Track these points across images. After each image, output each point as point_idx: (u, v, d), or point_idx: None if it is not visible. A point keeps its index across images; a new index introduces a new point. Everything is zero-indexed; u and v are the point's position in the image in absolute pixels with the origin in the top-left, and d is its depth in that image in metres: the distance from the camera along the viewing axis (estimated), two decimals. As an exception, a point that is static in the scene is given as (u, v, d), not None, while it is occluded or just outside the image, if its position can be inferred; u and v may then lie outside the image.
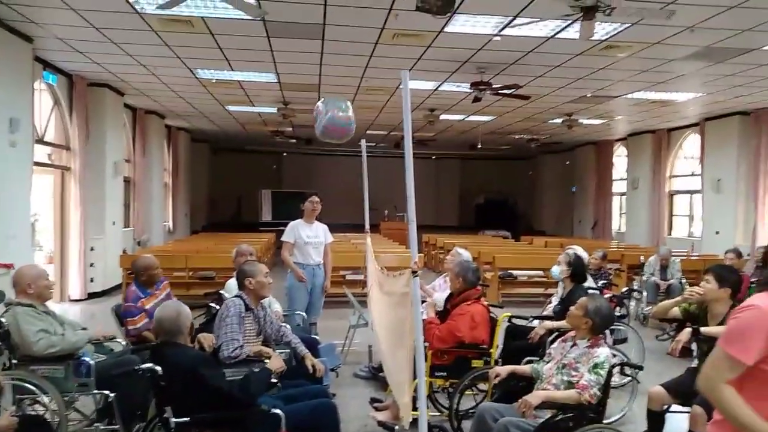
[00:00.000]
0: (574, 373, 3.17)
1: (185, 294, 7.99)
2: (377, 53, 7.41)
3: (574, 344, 3.31)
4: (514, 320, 4.42)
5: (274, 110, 11.81)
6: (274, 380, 3.25)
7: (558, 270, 4.75)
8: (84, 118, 9.10)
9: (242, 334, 3.72)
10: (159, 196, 13.47)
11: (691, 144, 13.13)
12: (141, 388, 3.46)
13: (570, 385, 3.14)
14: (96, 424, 3.59)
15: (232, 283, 4.66)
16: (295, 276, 5.77)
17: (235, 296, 3.90)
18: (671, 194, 13.75)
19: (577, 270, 4.68)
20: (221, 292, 4.83)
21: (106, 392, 3.48)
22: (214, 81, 9.28)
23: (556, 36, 6.50)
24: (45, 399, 3.39)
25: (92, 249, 9.36)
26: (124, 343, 4.24)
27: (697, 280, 8.38)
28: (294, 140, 16.44)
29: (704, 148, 11.91)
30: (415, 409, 2.68)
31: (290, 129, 14.69)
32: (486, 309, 4.11)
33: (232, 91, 10.22)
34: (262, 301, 4.19)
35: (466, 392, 4.00)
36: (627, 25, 6.06)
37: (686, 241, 12.58)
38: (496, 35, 6.54)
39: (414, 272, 2.59)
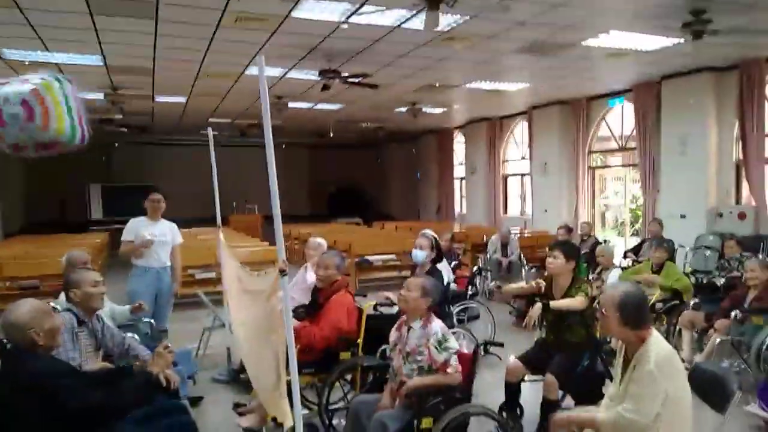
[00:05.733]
0: (419, 358, 3.15)
1: (3, 308, 6.92)
2: (219, 36, 6.97)
3: (410, 328, 3.25)
4: (379, 308, 4.41)
5: (100, 96, 10.65)
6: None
7: (423, 254, 4.78)
8: None
9: (78, 351, 3.30)
10: (-40, 196, 11.54)
11: (520, 130, 14.33)
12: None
13: (422, 370, 3.13)
14: None
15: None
16: (142, 247, 5.19)
17: (65, 310, 3.45)
18: (505, 177, 14.92)
19: (439, 251, 4.82)
20: (53, 304, 4.21)
21: None
22: (27, 63, 8.08)
23: (402, 26, 6.61)
24: None
25: None
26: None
27: (532, 255, 9.24)
28: (125, 129, 15.05)
29: (532, 134, 13.06)
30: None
31: (120, 116, 13.40)
32: (352, 298, 4.06)
33: (50, 75, 9.01)
34: (106, 313, 3.77)
35: (335, 385, 3.93)
36: (467, 17, 6.34)
37: (520, 219, 13.74)
38: (343, 23, 6.47)
39: (282, 272, 2.43)
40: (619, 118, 11.49)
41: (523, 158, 14.09)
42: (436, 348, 3.10)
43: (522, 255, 8.75)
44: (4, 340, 2.62)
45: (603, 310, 2.59)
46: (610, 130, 11.83)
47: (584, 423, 2.57)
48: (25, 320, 2.47)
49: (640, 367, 2.45)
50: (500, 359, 4.30)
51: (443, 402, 3.01)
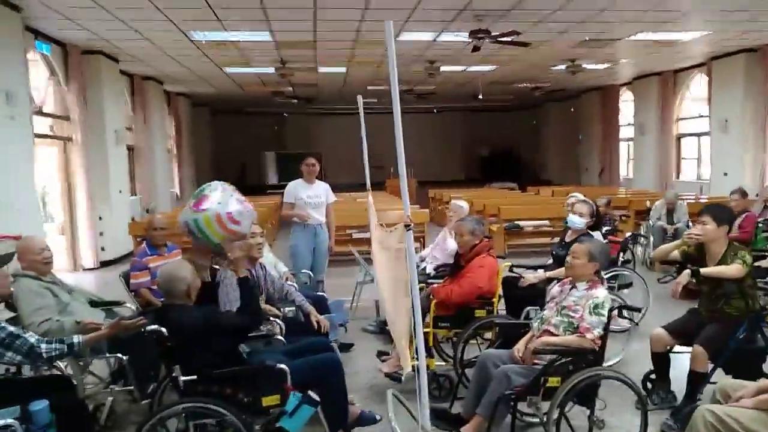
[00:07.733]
0: (573, 314, 3.19)
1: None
2: (372, 5, 7.24)
3: (573, 287, 3.33)
4: (515, 269, 4.44)
5: (271, 70, 11.65)
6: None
7: (581, 221, 4.73)
8: (81, 88, 9.05)
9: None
10: (163, 162, 13.48)
11: (697, 85, 12.87)
12: (152, 350, 3.55)
13: (570, 324, 3.17)
14: (111, 386, 3.70)
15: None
16: (298, 218, 5.77)
17: None
18: (679, 137, 13.57)
19: (598, 219, 4.75)
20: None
21: (119, 355, 3.58)
22: (217, 42, 9.13)
23: (555, -22, 6.31)
24: (60, 364, 3.49)
25: (100, 218, 9.46)
26: (133, 307, 4.33)
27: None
28: (295, 100, 16.28)
29: (711, 89, 11.67)
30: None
31: (290, 89, 14.53)
32: (496, 261, 4.15)
33: (229, 53, 10.08)
34: (270, 262, 4.27)
35: (471, 342, 4.08)
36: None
37: (695, 184, 12.48)
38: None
39: (407, 226, 2.60)
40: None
41: (701, 116, 12.67)
42: (590, 309, 3.13)
43: (691, 222, 7.99)
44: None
45: None
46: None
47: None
48: (184, 275, 2.95)
49: None
50: (636, 324, 4.09)
51: (572, 363, 3.00)
